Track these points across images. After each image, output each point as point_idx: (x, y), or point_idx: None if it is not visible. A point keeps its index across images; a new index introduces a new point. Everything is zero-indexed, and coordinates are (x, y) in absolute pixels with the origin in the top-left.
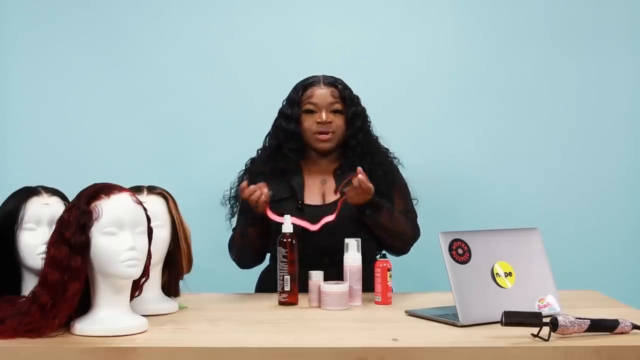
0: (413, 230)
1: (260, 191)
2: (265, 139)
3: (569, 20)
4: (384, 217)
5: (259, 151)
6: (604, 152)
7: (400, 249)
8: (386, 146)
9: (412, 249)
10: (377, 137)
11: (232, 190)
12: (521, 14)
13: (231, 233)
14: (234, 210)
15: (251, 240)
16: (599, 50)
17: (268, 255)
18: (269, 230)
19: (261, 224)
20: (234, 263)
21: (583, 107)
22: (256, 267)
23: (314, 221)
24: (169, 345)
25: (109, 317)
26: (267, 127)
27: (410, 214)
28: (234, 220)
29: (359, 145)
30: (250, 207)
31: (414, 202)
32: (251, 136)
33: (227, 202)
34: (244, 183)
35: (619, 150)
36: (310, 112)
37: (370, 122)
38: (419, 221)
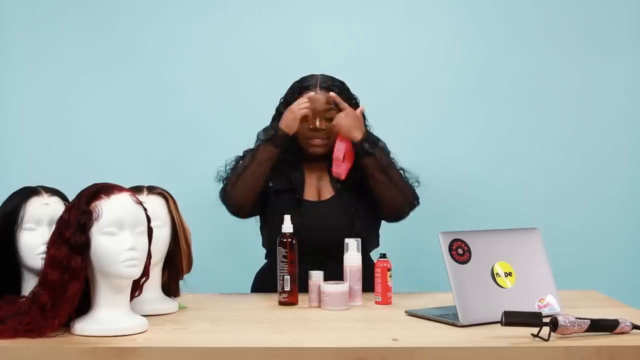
0: (413, 192)
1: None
2: None
3: (569, 20)
4: (381, 159)
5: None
6: (604, 151)
7: (400, 210)
8: (394, 149)
9: (412, 249)
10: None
11: (227, 168)
12: (520, 14)
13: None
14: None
15: (261, 161)
16: (598, 50)
17: (264, 254)
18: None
19: (280, 146)
20: (233, 262)
21: (583, 106)
22: (253, 267)
23: (307, 217)
24: (169, 345)
25: (109, 317)
26: None
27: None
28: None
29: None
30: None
31: (416, 184)
32: (251, 136)
33: (221, 181)
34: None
35: (618, 150)
36: (305, 116)
37: (367, 124)
38: (420, 220)
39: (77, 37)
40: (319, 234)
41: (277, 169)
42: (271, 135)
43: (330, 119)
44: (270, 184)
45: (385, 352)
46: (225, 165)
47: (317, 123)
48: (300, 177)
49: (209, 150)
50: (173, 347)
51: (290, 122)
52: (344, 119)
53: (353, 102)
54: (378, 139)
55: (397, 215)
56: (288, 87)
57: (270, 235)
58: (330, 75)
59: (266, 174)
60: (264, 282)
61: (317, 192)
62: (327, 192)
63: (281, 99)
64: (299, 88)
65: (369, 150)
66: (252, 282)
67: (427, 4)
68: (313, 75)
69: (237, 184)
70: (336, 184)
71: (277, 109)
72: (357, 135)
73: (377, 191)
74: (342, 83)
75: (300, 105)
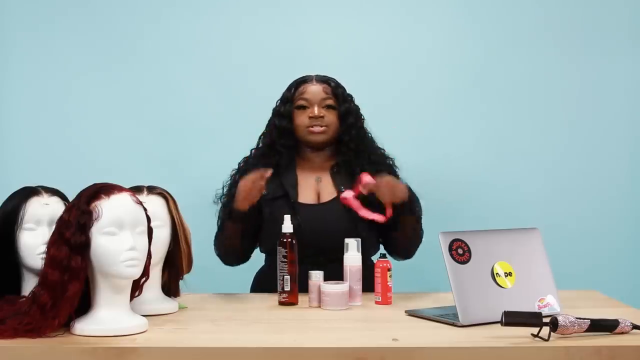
0: (421, 236)
1: (260, 178)
2: (260, 138)
3: (569, 20)
4: (410, 220)
5: (253, 151)
6: (604, 151)
7: (408, 254)
8: (382, 147)
9: None
10: (371, 136)
11: (224, 189)
12: (520, 14)
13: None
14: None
15: (230, 235)
16: (598, 50)
17: (263, 257)
18: (251, 230)
19: (241, 221)
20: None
21: (583, 106)
22: (253, 267)
23: (306, 220)
24: (169, 345)
25: (109, 317)
26: None
27: None
28: None
29: (352, 142)
30: (230, 202)
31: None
32: (252, 136)
33: (219, 200)
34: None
35: (618, 150)
36: (303, 107)
37: (364, 120)
38: None
39: (77, 37)
40: (318, 236)
41: (271, 176)
42: (228, 215)
43: (328, 107)
44: (264, 192)
45: (385, 352)
46: (223, 188)
47: (316, 110)
48: (293, 181)
49: (210, 150)
50: (173, 347)
51: (243, 202)
52: (385, 194)
53: (348, 99)
54: (414, 194)
55: (406, 253)
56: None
57: (268, 243)
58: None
59: (242, 239)
60: (263, 283)
61: (315, 194)
62: (328, 195)
63: (277, 100)
64: (295, 83)
65: (407, 213)
66: (251, 282)
67: (427, 4)
68: (308, 74)
69: (220, 248)
70: (340, 187)
71: (274, 109)
72: (398, 199)
73: (392, 243)
74: (338, 81)
75: (255, 183)
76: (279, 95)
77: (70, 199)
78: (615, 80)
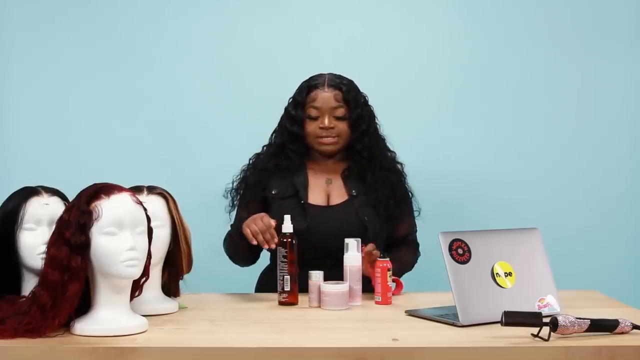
0: (415, 255)
1: (270, 234)
2: (272, 135)
3: (569, 20)
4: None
5: (264, 147)
6: (604, 151)
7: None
8: (392, 149)
9: None
10: (384, 138)
11: (234, 183)
12: (521, 14)
13: (229, 228)
14: (234, 203)
15: (240, 249)
16: (598, 50)
17: (268, 255)
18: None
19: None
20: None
21: (583, 106)
22: (256, 266)
23: (315, 222)
24: (169, 345)
25: (109, 317)
26: (268, 127)
27: (414, 234)
28: (233, 214)
29: (365, 149)
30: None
31: (416, 213)
32: (251, 136)
33: (229, 194)
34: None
35: (619, 150)
36: (314, 117)
37: (377, 122)
38: (419, 220)
39: (77, 37)
40: (327, 239)
41: (279, 175)
42: (239, 235)
43: (339, 117)
44: (274, 192)
45: (385, 352)
46: (233, 182)
47: (327, 121)
48: (304, 181)
49: (209, 150)
50: (173, 347)
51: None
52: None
53: (362, 100)
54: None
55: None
56: (297, 87)
57: None
58: (339, 74)
59: (251, 249)
60: (268, 282)
61: (325, 196)
62: (338, 197)
63: (290, 98)
64: (307, 87)
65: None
66: (255, 282)
67: (427, 4)
68: (321, 74)
69: (229, 252)
70: (352, 191)
71: (286, 109)
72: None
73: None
74: (351, 81)
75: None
76: (278, 95)
77: (70, 199)
78: (615, 81)
